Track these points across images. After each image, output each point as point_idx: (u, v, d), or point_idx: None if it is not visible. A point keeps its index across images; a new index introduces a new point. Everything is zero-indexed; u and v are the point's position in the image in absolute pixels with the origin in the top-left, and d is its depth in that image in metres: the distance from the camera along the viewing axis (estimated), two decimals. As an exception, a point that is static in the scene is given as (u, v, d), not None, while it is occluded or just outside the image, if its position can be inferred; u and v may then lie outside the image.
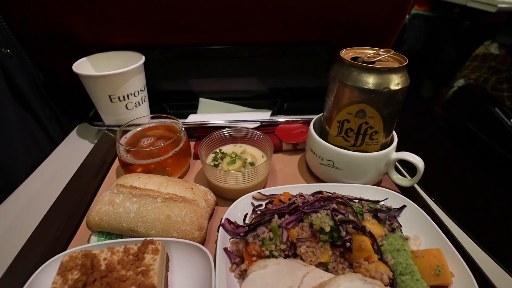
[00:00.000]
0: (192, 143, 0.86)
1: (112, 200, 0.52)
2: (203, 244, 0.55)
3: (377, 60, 0.56)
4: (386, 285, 0.44)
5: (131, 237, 0.53)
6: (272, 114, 1.00)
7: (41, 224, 0.55)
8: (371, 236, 0.49)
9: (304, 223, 0.50)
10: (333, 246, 0.48)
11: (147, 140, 0.73)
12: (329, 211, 0.51)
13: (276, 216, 0.51)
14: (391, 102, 0.54)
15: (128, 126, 0.73)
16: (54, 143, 0.90)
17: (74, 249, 0.48)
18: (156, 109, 1.00)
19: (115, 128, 0.85)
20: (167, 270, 0.49)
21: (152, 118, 0.78)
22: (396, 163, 0.71)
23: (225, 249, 0.51)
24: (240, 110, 1.10)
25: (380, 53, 0.57)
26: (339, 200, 0.54)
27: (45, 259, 0.48)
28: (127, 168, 0.67)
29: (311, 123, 0.71)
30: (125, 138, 0.73)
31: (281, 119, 0.89)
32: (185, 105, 1.09)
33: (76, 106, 0.94)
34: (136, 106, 0.86)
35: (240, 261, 0.50)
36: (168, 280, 0.48)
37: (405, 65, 0.53)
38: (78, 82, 0.78)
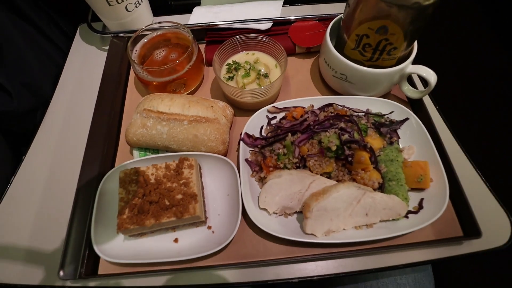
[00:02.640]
0: (201, 46, 0.84)
1: (145, 124, 0.59)
2: (226, 154, 0.65)
3: (413, -38, 0.47)
4: (375, 189, 0.56)
5: (166, 151, 0.62)
6: (284, 2, 0.91)
7: (88, 143, 0.65)
8: (371, 151, 0.57)
9: (314, 140, 0.58)
10: (337, 159, 0.57)
11: (160, 52, 0.72)
12: (336, 129, 0.57)
13: (289, 134, 0.59)
14: (419, 18, 0.50)
15: (136, 37, 0.70)
16: (60, 49, 0.89)
17: (125, 163, 0.59)
18: (157, 3, 0.91)
19: (121, 35, 0.82)
20: (200, 176, 0.61)
21: (158, 23, 0.73)
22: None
23: (246, 160, 0.62)
24: (248, -1, 0.98)
25: (420, -50, 0.47)
26: (347, 118, 0.59)
27: (100, 172, 0.61)
28: (145, 83, 0.70)
29: (328, 29, 0.67)
30: (136, 51, 0.71)
31: (294, 16, 0.81)
32: (188, -6, 0.97)
33: (71, 6, 0.86)
34: (136, 6, 0.79)
35: (259, 169, 0.61)
36: (203, 183, 0.61)
37: (445, -28, 0.45)
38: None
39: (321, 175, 0.57)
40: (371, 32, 0.54)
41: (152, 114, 0.59)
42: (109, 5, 0.74)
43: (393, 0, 0.48)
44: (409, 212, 0.56)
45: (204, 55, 0.82)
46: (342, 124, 0.58)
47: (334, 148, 0.55)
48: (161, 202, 0.52)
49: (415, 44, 0.62)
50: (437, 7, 0.49)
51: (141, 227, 0.50)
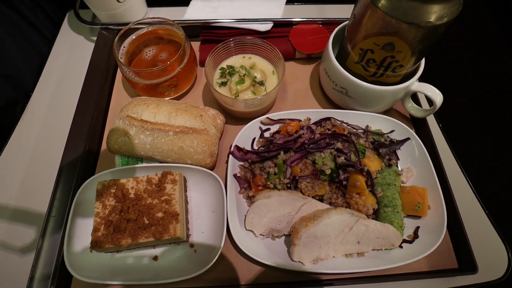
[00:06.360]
0: (196, 44, 0.78)
1: (127, 132, 0.54)
2: (214, 166, 0.61)
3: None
4: (369, 215, 0.53)
5: (150, 160, 0.58)
6: (287, 1, 0.85)
7: (68, 145, 0.61)
8: (367, 174, 0.53)
9: (307, 160, 0.54)
10: (331, 181, 0.54)
11: (149, 50, 0.67)
12: (333, 150, 0.53)
13: (282, 152, 0.55)
14: (429, 37, 0.46)
15: (124, 32, 0.65)
16: (46, 37, 0.83)
17: (104, 172, 0.55)
18: (151, -12, 0.85)
19: (110, 27, 0.76)
20: (185, 190, 0.57)
21: (150, 19, 0.67)
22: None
23: (235, 175, 0.58)
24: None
25: (438, -38, 0.43)
26: (344, 138, 0.55)
27: (78, 179, 0.57)
28: (132, 84, 0.65)
29: (331, 37, 0.62)
30: (124, 47, 0.66)
31: (297, 17, 0.76)
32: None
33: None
34: (128, -4, 0.73)
35: (248, 186, 0.57)
36: (187, 198, 0.57)
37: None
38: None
39: (313, 197, 0.54)
40: (377, 47, 0.50)
41: (135, 122, 0.54)
42: (98, -5, 0.68)
43: (402, 17, 0.43)
44: (404, 241, 0.53)
45: (197, 54, 0.77)
46: (339, 144, 0.54)
47: (328, 172, 0.51)
48: (139, 221, 0.48)
49: (423, 60, 0.58)
50: (450, 26, 0.45)
51: (116, 246, 0.47)
